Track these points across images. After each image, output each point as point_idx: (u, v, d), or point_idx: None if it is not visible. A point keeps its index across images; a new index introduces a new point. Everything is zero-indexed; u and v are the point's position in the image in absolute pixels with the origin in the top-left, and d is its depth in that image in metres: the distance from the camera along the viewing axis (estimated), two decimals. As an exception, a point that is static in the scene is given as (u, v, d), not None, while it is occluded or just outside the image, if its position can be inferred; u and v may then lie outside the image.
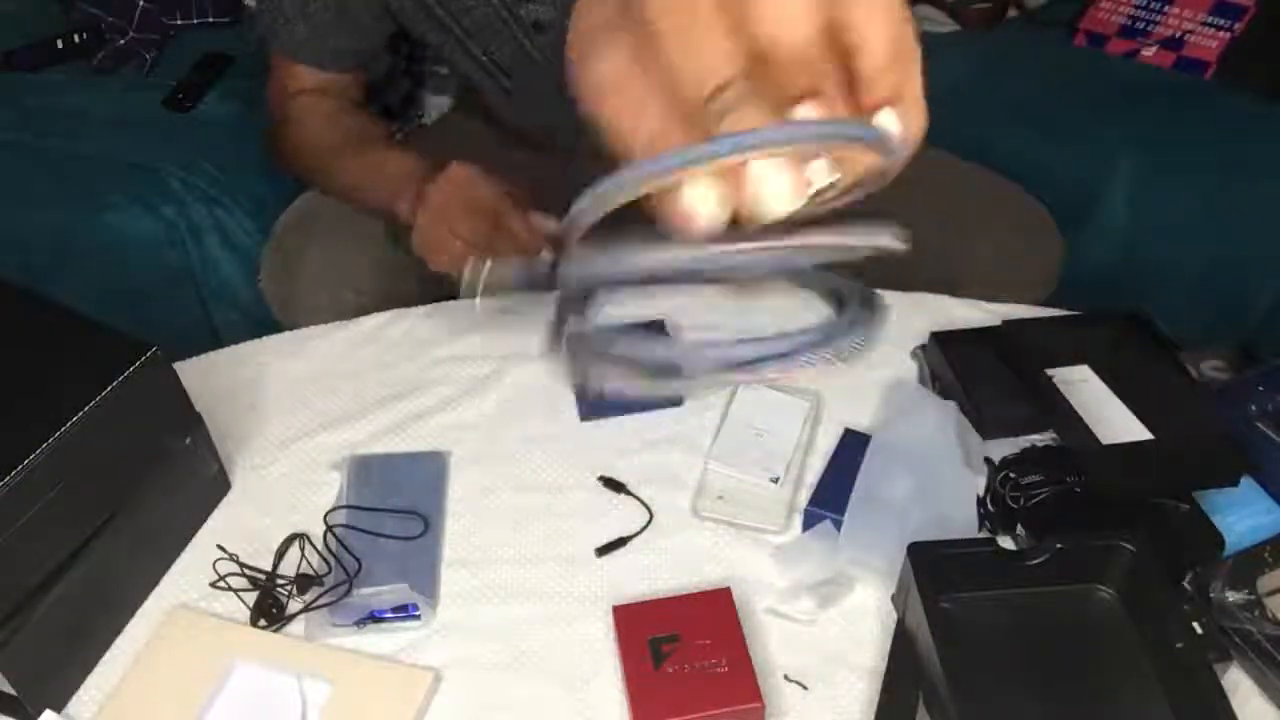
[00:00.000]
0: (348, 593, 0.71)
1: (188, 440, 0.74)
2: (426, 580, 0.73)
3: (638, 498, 0.80)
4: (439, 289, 0.91)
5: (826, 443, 0.83)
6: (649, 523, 0.78)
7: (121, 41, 1.47)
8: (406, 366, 0.90)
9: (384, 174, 0.93)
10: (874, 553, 0.73)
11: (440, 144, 1.11)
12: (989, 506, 0.76)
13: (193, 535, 0.77)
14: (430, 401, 0.87)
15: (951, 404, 0.83)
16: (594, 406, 0.85)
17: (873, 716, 0.65)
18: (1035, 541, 0.71)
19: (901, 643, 0.68)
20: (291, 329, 0.96)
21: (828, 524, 0.76)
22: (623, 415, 0.86)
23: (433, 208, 0.85)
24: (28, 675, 0.64)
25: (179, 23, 1.55)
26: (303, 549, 0.75)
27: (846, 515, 0.75)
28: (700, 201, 0.26)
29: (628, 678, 0.66)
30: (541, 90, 0.99)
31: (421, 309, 0.95)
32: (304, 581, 0.72)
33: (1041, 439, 0.81)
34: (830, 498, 0.77)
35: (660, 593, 0.71)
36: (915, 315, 0.83)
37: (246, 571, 0.74)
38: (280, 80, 1.04)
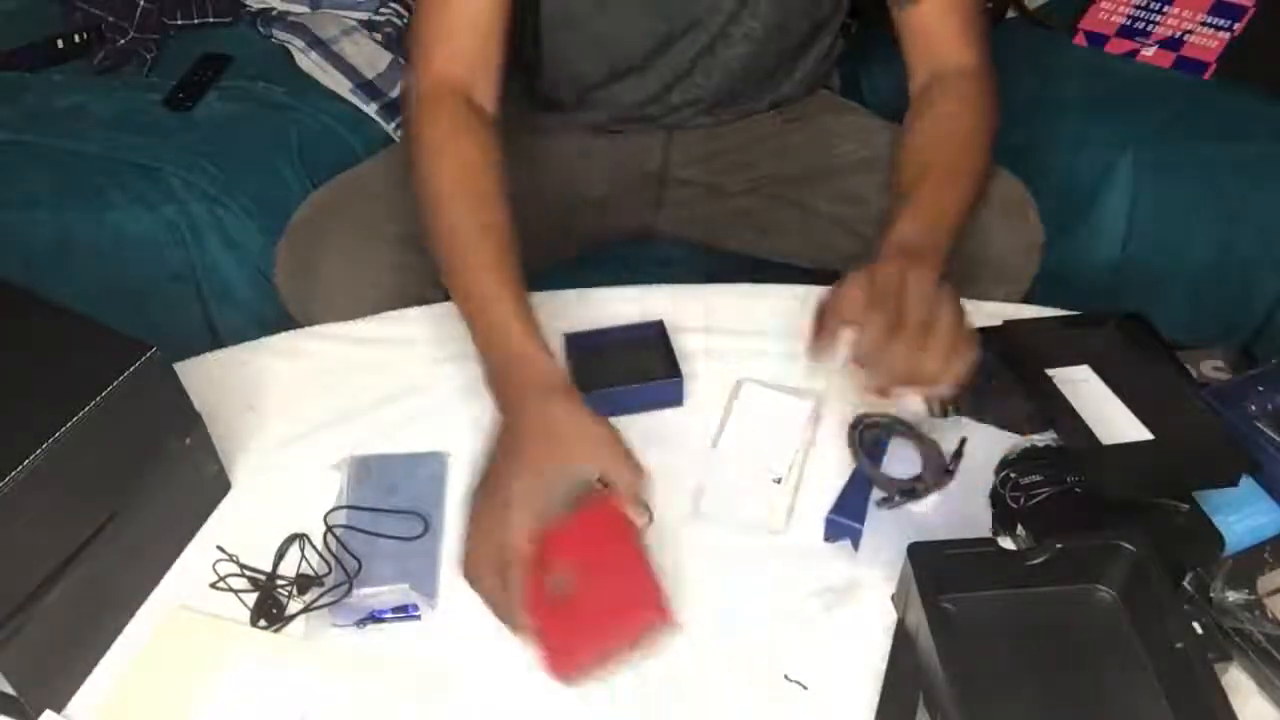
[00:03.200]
0: (348, 593, 0.71)
1: (188, 440, 0.74)
2: (426, 580, 0.73)
3: (638, 498, 0.79)
4: None
5: (828, 442, 0.83)
6: (649, 523, 0.78)
7: (121, 41, 1.47)
8: (406, 366, 0.90)
9: (484, 318, 0.79)
10: (879, 554, 0.74)
11: None
12: (989, 506, 0.76)
13: (193, 535, 0.77)
14: (430, 401, 0.87)
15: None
16: (594, 406, 0.85)
17: (873, 716, 0.65)
18: (1035, 541, 0.71)
19: (901, 643, 0.68)
20: (307, 327, 0.95)
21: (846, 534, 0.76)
22: (623, 415, 0.86)
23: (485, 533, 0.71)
24: (28, 675, 0.64)
25: (179, 23, 1.55)
26: (303, 549, 0.75)
27: (866, 524, 0.76)
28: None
29: (541, 631, 0.66)
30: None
31: (421, 309, 0.95)
32: (304, 582, 0.72)
33: (1041, 439, 0.81)
34: (850, 506, 0.77)
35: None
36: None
37: (246, 572, 0.74)
38: (412, 63, 0.90)
